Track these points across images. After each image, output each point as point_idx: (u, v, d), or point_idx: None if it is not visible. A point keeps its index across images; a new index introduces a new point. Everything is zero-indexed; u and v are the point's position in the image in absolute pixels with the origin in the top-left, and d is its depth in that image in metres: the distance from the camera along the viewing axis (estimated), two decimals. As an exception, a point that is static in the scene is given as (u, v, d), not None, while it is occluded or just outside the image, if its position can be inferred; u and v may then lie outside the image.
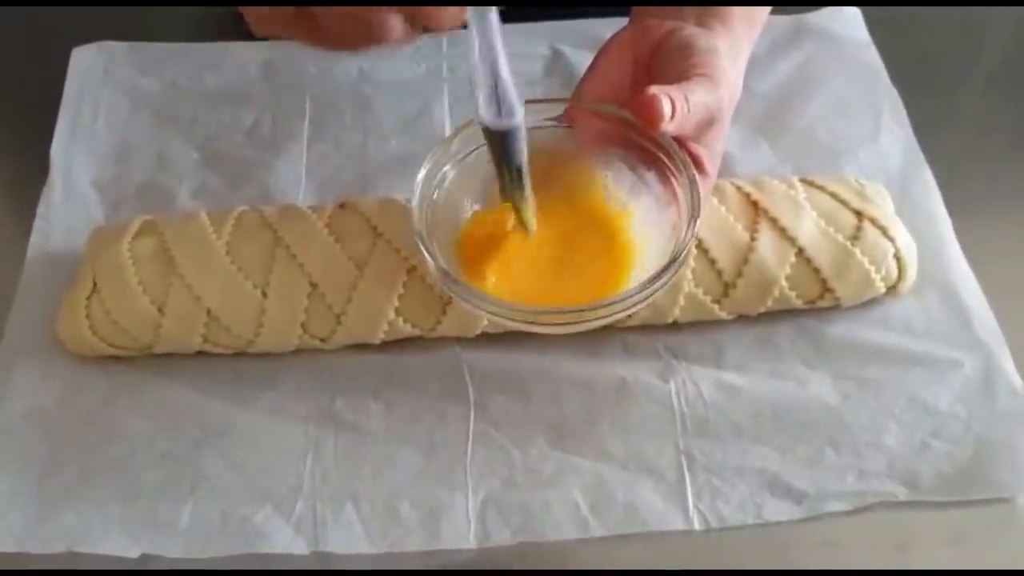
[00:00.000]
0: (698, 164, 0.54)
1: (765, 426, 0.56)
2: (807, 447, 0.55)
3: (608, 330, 0.59)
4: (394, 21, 0.42)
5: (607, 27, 0.59)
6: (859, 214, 0.59)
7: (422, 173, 0.54)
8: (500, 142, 0.49)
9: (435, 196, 0.55)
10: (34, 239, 0.65)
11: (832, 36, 0.75)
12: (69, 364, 0.59)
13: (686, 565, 0.52)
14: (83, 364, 0.59)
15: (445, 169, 0.55)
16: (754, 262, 0.57)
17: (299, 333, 0.58)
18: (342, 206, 0.60)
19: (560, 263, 0.54)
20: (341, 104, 0.72)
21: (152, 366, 0.59)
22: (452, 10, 0.43)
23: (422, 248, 0.51)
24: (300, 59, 0.74)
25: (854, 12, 0.76)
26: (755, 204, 0.59)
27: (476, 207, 0.56)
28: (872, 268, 0.58)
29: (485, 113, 0.47)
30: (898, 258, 0.59)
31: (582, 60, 0.60)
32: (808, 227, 0.58)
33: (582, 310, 0.50)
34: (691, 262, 0.57)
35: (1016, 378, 0.57)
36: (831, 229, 0.58)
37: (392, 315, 0.57)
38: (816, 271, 0.58)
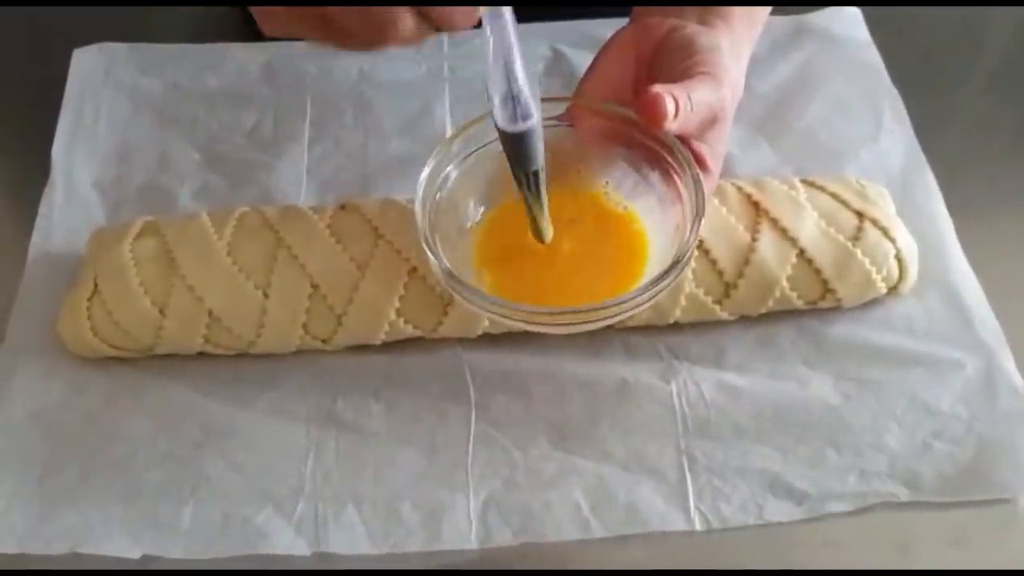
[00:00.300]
0: (701, 162, 0.54)
1: (766, 427, 0.56)
2: (808, 448, 0.55)
3: (609, 331, 0.59)
4: (408, 20, 0.41)
5: (608, 27, 0.59)
6: (860, 215, 0.59)
7: (425, 173, 0.54)
8: (516, 145, 0.48)
9: (438, 196, 0.55)
10: (35, 240, 0.65)
11: (833, 36, 0.75)
12: (70, 365, 0.59)
13: (687, 565, 0.52)
14: (84, 365, 0.59)
15: (448, 169, 0.55)
16: (755, 263, 0.57)
17: (300, 334, 0.58)
18: (343, 207, 0.60)
19: (563, 263, 0.54)
20: (342, 105, 0.72)
21: (153, 367, 0.59)
22: (466, 9, 0.42)
23: (425, 248, 0.51)
24: (301, 60, 0.74)
25: (855, 12, 0.76)
26: (756, 205, 0.59)
27: (480, 208, 0.56)
28: (873, 269, 0.58)
29: (500, 116, 0.46)
30: (899, 259, 0.59)
31: (583, 60, 0.60)
32: (809, 228, 0.58)
33: (586, 310, 0.50)
34: (692, 263, 0.57)
35: (1017, 378, 0.57)
36: (832, 230, 0.58)
37: (393, 316, 0.57)
38: (817, 272, 0.58)
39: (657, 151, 0.54)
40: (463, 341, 0.59)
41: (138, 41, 0.76)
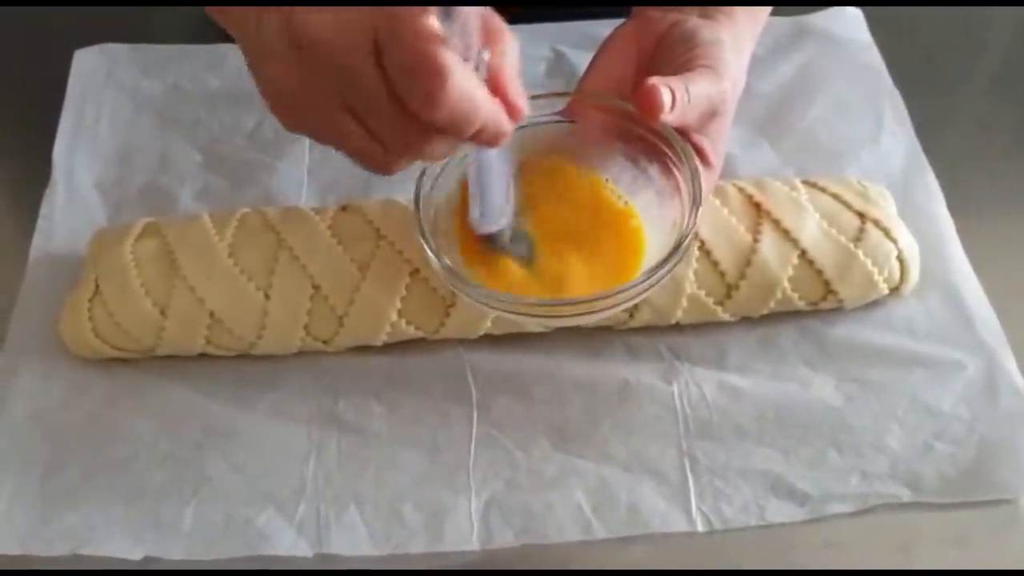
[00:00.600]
0: (701, 155, 0.54)
1: (768, 428, 0.56)
2: (810, 449, 0.55)
3: (611, 332, 0.59)
4: (442, 144, 0.45)
5: (609, 28, 0.59)
6: (862, 216, 0.59)
7: (423, 172, 0.54)
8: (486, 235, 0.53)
9: (436, 195, 0.55)
10: (36, 241, 0.65)
11: (833, 37, 0.75)
12: (71, 366, 0.59)
13: (689, 566, 0.52)
14: (85, 366, 0.59)
15: (447, 168, 0.55)
16: (757, 264, 0.57)
17: (301, 335, 0.58)
18: (345, 208, 0.60)
19: (564, 257, 0.54)
20: (343, 105, 0.72)
21: (154, 368, 0.59)
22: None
23: (425, 247, 0.51)
24: (302, 61, 0.74)
25: (855, 13, 0.76)
26: (757, 206, 0.59)
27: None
28: (875, 270, 0.58)
29: (472, 212, 0.52)
30: (900, 260, 0.59)
31: (583, 61, 0.60)
32: (811, 229, 0.58)
33: (589, 300, 0.51)
34: (694, 261, 0.57)
35: (1019, 378, 0.57)
36: (834, 231, 0.58)
37: (394, 317, 0.57)
38: (819, 273, 0.58)
39: (656, 144, 0.54)
40: (465, 342, 0.59)
41: (139, 42, 0.76)
